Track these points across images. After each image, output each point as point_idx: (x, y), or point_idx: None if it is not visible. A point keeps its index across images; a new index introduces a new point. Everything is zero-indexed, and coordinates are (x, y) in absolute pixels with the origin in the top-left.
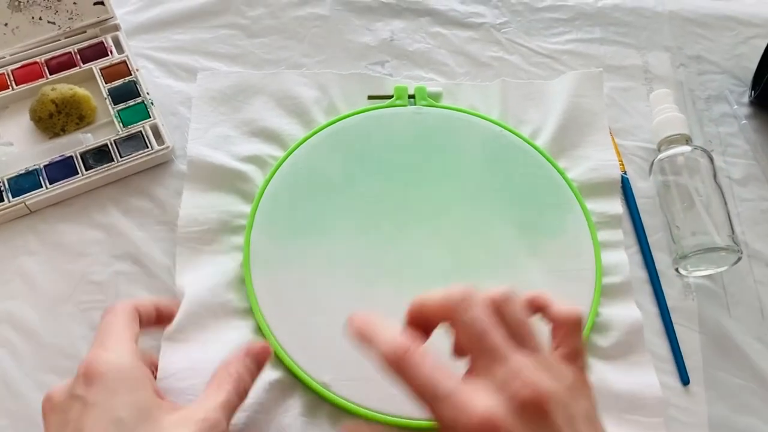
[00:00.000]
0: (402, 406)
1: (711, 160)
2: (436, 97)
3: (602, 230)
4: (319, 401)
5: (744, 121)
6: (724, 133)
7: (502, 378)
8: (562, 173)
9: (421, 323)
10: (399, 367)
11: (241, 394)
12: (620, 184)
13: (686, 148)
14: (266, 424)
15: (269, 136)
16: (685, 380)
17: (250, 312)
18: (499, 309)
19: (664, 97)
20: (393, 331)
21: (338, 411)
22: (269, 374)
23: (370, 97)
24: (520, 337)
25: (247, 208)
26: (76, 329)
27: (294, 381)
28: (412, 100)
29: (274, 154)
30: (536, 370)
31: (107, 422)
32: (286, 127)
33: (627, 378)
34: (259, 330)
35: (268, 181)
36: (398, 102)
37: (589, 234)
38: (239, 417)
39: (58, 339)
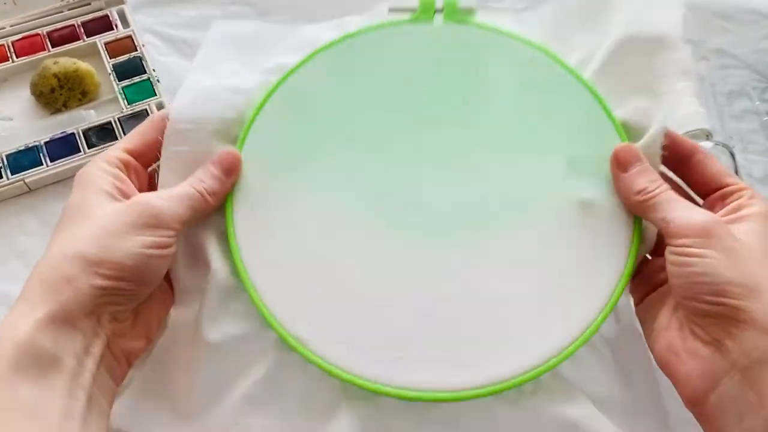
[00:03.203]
0: (383, 372)
1: (732, 156)
2: (468, 12)
3: None
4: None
5: (766, 118)
6: (745, 130)
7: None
8: (612, 119)
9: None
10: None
11: (208, 195)
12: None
13: (707, 144)
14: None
15: (277, 69)
16: None
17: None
18: None
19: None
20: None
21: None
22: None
23: (392, 10)
24: None
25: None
26: None
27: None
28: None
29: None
30: None
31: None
32: (294, 59)
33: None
34: (234, 272)
35: (263, 105)
36: (423, 15)
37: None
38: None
39: None
